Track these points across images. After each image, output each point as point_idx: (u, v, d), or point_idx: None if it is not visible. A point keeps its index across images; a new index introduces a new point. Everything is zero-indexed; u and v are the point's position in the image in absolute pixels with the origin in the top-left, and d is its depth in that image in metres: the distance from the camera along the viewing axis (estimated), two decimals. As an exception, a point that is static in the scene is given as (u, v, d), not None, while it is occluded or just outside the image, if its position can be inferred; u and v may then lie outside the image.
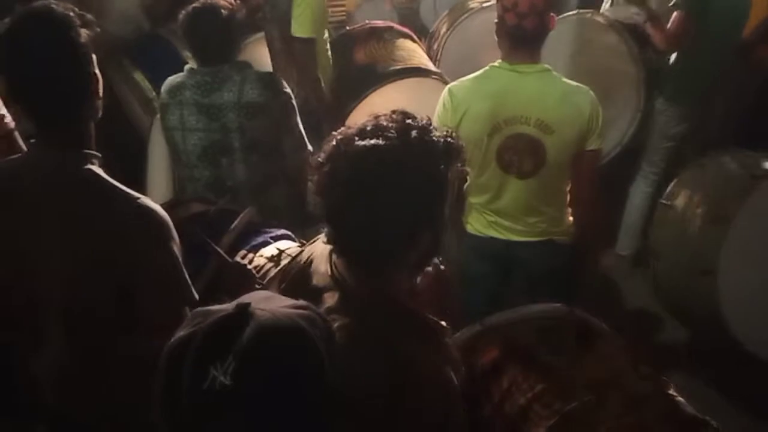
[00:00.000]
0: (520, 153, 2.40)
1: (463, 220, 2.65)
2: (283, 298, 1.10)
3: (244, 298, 1.02)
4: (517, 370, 1.53)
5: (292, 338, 0.96)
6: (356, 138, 1.25)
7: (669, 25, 3.40)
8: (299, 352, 0.96)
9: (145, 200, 1.57)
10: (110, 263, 1.50)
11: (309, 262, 1.45)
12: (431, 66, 3.86)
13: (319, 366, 0.97)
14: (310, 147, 2.76)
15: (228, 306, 0.98)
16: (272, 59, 3.39)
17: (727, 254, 2.93)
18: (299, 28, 3.22)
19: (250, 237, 2.16)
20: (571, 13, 4.02)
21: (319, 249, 1.44)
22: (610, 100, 3.70)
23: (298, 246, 2.07)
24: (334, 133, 1.30)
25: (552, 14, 2.42)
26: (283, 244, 2.11)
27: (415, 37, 4.19)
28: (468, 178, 2.51)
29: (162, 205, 1.62)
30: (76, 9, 1.58)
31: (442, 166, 1.27)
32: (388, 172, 1.22)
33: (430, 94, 3.17)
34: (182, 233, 1.65)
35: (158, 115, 2.88)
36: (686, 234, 3.17)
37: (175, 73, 2.73)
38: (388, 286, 1.30)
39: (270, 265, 2.00)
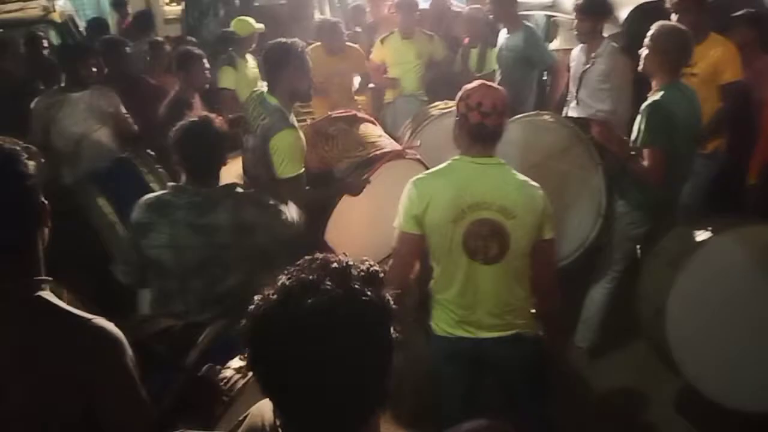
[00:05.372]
0: (485, 238, 2.49)
1: (428, 321, 2.68)
2: None
3: None
4: None
5: None
6: (296, 296, 1.12)
7: (647, 162, 3.37)
8: None
9: (97, 320, 1.59)
10: (70, 386, 1.52)
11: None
12: (387, 145, 3.70)
13: None
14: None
15: None
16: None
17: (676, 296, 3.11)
18: (285, 170, 3.23)
19: (219, 350, 2.16)
20: (530, 114, 4.10)
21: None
22: (573, 206, 3.84)
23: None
24: (267, 287, 1.16)
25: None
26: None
27: (359, 115, 3.91)
28: (433, 274, 2.61)
29: (131, 322, 1.65)
30: (21, 142, 1.63)
31: (387, 320, 1.16)
32: (335, 336, 1.10)
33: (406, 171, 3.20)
34: (149, 350, 1.67)
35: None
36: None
37: (139, 196, 2.74)
38: None
39: (237, 376, 2.00)
